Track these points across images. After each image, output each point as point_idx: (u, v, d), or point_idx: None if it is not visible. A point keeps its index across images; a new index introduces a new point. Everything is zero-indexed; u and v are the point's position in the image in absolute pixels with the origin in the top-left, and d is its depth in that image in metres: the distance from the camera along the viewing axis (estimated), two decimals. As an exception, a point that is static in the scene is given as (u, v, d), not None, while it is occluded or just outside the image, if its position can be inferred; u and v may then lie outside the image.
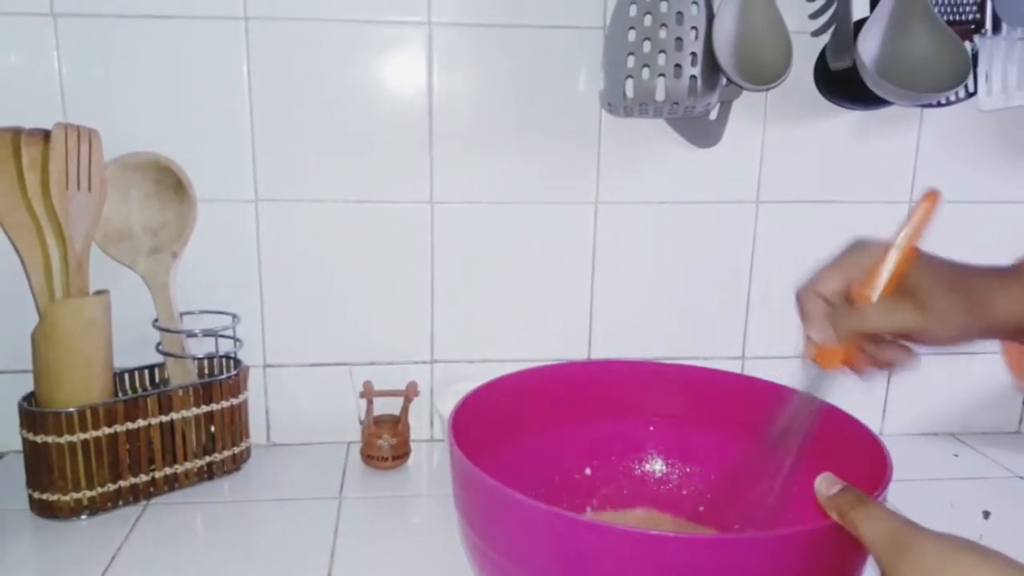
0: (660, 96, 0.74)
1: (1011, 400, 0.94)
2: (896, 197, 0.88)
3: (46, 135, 0.69)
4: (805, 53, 0.80)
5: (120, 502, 0.73)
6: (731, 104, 0.83)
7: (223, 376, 0.78)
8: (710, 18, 0.73)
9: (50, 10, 0.74)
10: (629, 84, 0.74)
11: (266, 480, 0.79)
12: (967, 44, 0.76)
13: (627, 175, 0.85)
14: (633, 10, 0.73)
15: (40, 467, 0.70)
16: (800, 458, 0.53)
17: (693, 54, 0.72)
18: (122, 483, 0.72)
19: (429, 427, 0.89)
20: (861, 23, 0.75)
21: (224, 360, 0.81)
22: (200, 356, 0.80)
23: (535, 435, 0.66)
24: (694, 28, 0.72)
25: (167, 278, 0.77)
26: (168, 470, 0.75)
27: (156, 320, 0.78)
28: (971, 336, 0.47)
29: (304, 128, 0.80)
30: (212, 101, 0.78)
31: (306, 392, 0.86)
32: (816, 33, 0.80)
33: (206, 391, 0.76)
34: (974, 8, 0.78)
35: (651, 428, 0.69)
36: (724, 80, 0.76)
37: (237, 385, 0.79)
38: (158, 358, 0.79)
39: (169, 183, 0.77)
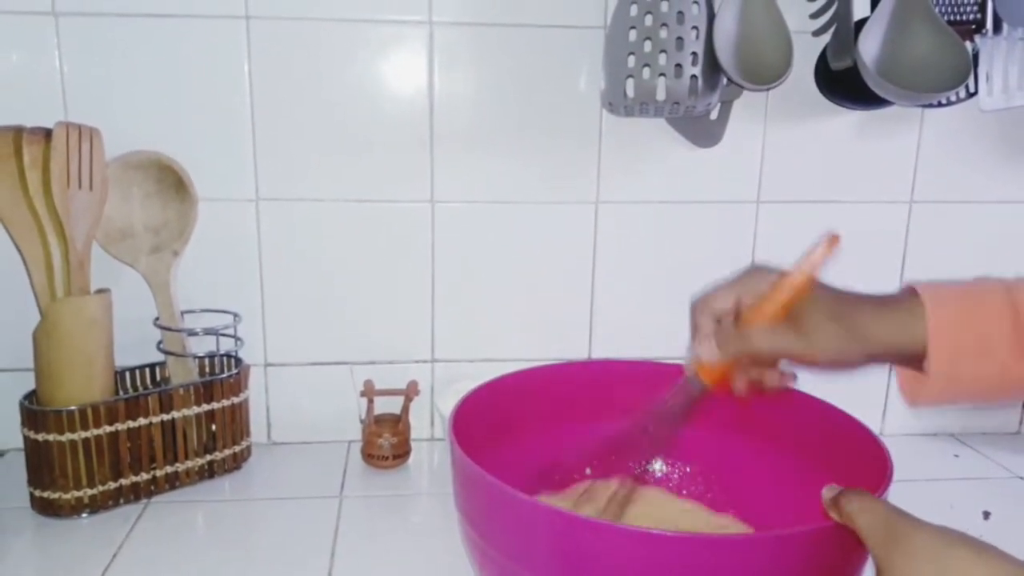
0: (661, 96, 0.74)
1: (1011, 400, 0.95)
2: (897, 197, 0.88)
3: (48, 134, 0.69)
4: (806, 53, 0.80)
5: (121, 500, 0.73)
6: (732, 104, 0.83)
7: (224, 375, 0.78)
8: (711, 18, 0.73)
9: (52, 9, 0.75)
10: (630, 84, 0.74)
11: (267, 479, 0.79)
12: (968, 44, 0.76)
13: (628, 175, 0.85)
14: (634, 10, 0.73)
15: (41, 465, 0.70)
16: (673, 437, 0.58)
17: (694, 54, 0.72)
18: (123, 481, 0.72)
19: (430, 426, 0.89)
20: (862, 23, 0.75)
21: (225, 359, 0.81)
22: (201, 355, 0.80)
23: (535, 434, 0.67)
24: (695, 28, 0.72)
25: (168, 277, 0.78)
26: (169, 468, 0.75)
27: (157, 319, 0.78)
28: (852, 361, 0.50)
29: (305, 127, 0.80)
30: (213, 100, 0.78)
31: (307, 391, 0.86)
32: (817, 33, 0.80)
33: (207, 390, 0.76)
34: (975, 8, 0.78)
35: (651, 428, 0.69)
36: (725, 80, 0.76)
37: (238, 384, 0.79)
38: (159, 357, 0.79)
39: (170, 182, 0.77)
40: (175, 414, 0.75)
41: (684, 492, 0.69)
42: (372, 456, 0.81)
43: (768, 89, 0.77)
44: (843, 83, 0.79)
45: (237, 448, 0.80)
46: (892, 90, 0.73)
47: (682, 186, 0.85)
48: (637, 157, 0.84)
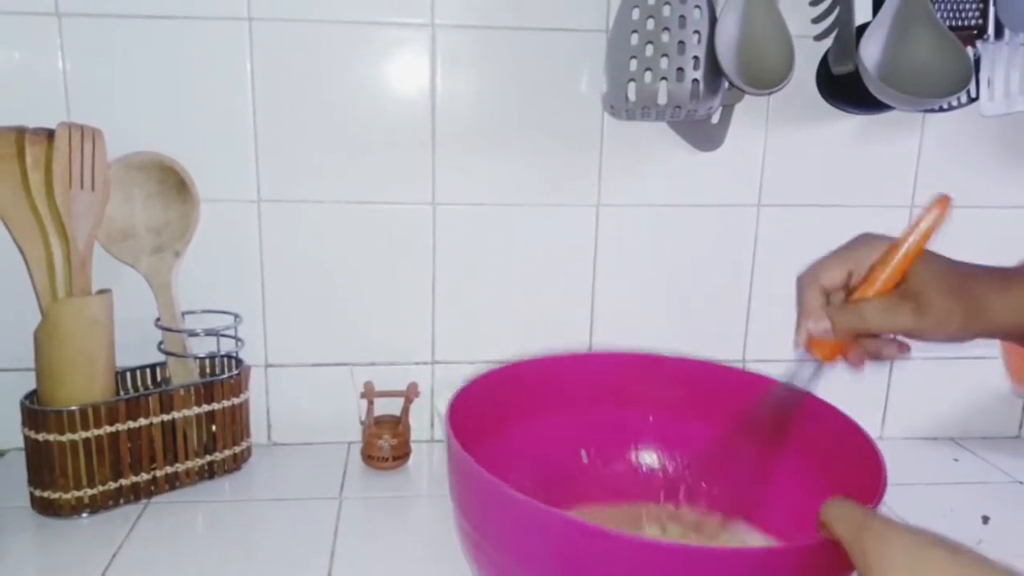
0: (662, 99, 0.74)
1: (1011, 405, 0.94)
2: (898, 202, 0.88)
3: (50, 134, 0.69)
4: (807, 57, 0.80)
5: (121, 500, 0.73)
6: (733, 108, 0.83)
7: (224, 375, 0.78)
8: (712, 22, 0.73)
9: (54, 10, 0.75)
10: (631, 87, 0.75)
11: (267, 480, 0.80)
12: (969, 49, 0.76)
13: (629, 178, 0.85)
14: (636, 13, 0.73)
15: (41, 465, 0.70)
16: (782, 444, 0.53)
17: (695, 58, 0.72)
18: (123, 481, 0.73)
19: (430, 428, 0.89)
20: (863, 28, 0.75)
21: (225, 360, 0.81)
22: (202, 355, 0.80)
23: (532, 424, 0.67)
24: (696, 32, 0.72)
25: (169, 277, 0.78)
26: (169, 469, 0.75)
27: (158, 319, 0.78)
28: (968, 336, 0.47)
29: (307, 129, 0.80)
30: (215, 101, 0.78)
31: (307, 392, 0.86)
32: (818, 37, 0.80)
33: (207, 390, 0.77)
34: (976, 13, 0.78)
35: (649, 419, 0.70)
36: (726, 84, 0.76)
37: (238, 384, 0.79)
38: (160, 357, 0.79)
39: (172, 183, 0.77)
40: (175, 415, 0.75)
41: (681, 486, 0.69)
42: (372, 457, 0.81)
43: (769, 93, 0.77)
44: (844, 87, 0.79)
45: (237, 449, 0.80)
46: (893, 95, 0.73)
47: (683, 190, 0.86)
48: (638, 160, 0.84)
